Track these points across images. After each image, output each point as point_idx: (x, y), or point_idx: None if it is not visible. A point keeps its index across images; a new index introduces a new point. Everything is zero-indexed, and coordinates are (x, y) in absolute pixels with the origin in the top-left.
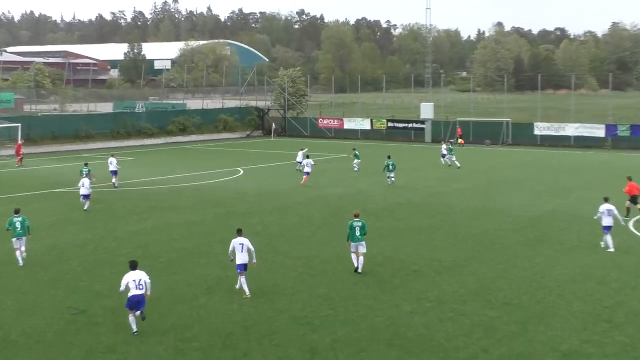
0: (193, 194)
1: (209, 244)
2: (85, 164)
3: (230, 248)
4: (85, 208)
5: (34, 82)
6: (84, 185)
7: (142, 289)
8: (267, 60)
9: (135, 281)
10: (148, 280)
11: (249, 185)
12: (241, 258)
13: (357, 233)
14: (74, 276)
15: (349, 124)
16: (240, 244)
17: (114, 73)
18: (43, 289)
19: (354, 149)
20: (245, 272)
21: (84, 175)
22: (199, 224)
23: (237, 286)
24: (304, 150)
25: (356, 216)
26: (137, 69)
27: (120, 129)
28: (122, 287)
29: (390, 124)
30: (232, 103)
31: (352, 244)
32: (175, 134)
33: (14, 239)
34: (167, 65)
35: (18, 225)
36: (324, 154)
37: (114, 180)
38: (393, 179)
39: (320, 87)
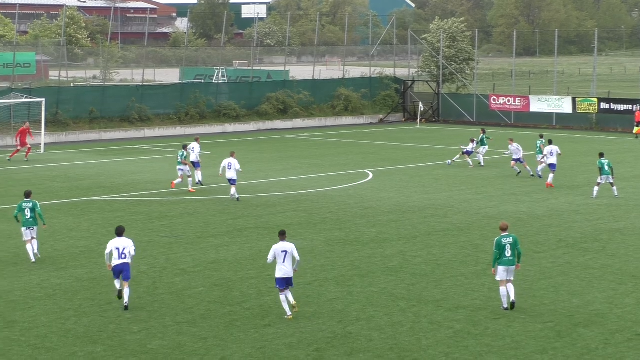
0: (296, 207)
1: (320, 283)
2: (184, 146)
3: (270, 256)
4: (233, 196)
5: (64, 37)
6: (232, 168)
7: (124, 258)
8: (412, 5)
9: (118, 249)
10: (133, 253)
11: (382, 196)
12: (283, 270)
13: (508, 253)
14: (121, 326)
15: (538, 104)
16: (283, 251)
17: (182, 24)
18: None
19: (541, 136)
20: (290, 288)
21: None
22: (304, 253)
23: (289, 314)
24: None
25: (504, 229)
26: (215, 19)
27: (190, 109)
28: (107, 252)
29: (603, 106)
30: (357, 71)
31: (501, 268)
32: (271, 117)
33: (23, 229)
34: (261, 12)
35: (28, 212)
36: (497, 151)
37: (197, 175)
38: (615, 189)
39: (494, 48)
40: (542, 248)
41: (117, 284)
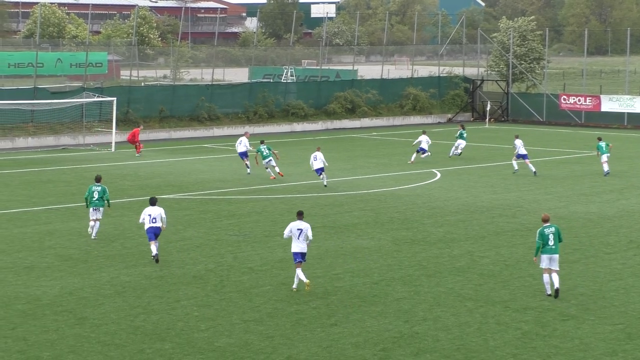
0: (363, 207)
1: (387, 283)
2: (262, 142)
3: (286, 233)
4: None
5: (136, 37)
6: (317, 159)
7: (155, 222)
8: (482, 4)
9: (150, 216)
10: (164, 216)
11: (450, 196)
12: (299, 246)
13: (551, 242)
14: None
15: (609, 104)
16: (298, 229)
17: (251, 24)
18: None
19: (600, 139)
20: (304, 262)
21: (264, 153)
22: (371, 252)
23: (295, 285)
24: None
25: (545, 220)
26: (285, 18)
27: (259, 108)
28: (141, 220)
29: None
30: (425, 70)
31: (544, 257)
32: (339, 116)
33: (90, 209)
34: (330, 12)
35: (95, 195)
36: (567, 151)
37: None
38: None
39: (564, 47)
40: (612, 249)
41: (153, 248)
